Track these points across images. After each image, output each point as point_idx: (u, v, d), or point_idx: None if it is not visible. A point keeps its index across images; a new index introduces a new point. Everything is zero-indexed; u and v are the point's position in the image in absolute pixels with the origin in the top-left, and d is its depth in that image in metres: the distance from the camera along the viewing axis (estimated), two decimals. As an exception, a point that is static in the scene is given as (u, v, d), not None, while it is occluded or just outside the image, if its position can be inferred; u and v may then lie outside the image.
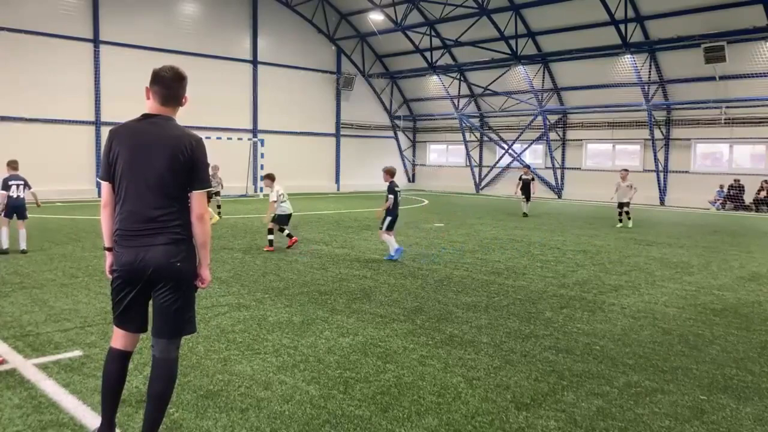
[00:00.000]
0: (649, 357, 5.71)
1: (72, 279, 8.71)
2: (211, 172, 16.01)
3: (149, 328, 3.68)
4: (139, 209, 3.48)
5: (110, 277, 3.65)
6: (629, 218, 17.81)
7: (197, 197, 3.57)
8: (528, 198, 20.86)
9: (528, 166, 24.70)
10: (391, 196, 11.01)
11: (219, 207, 17.96)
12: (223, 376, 4.95)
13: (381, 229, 11.11)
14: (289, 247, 11.97)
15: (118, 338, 3.65)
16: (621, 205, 17.97)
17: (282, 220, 12.05)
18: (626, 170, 19.08)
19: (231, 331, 6.22)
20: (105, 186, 3.59)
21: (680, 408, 4.53)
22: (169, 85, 3.58)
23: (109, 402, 3.63)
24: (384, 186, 11.44)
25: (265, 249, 11.76)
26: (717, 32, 22.81)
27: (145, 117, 3.60)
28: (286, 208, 12.13)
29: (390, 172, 11.35)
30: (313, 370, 5.12)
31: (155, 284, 3.52)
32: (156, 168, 3.47)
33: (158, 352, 3.59)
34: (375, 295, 8.10)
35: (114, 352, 3.66)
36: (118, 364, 3.65)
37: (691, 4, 23.29)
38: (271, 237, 11.88)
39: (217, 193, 17.88)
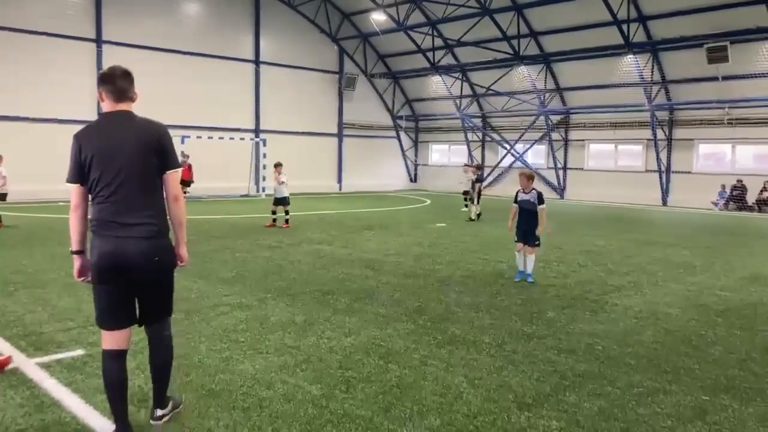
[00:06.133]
0: (652, 357, 5.70)
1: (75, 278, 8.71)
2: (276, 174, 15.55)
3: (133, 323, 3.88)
4: (119, 201, 3.62)
5: (79, 280, 3.82)
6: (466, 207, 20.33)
7: (171, 178, 3.76)
8: (472, 199, 19.07)
9: (478, 166, 20.94)
10: (545, 206, 9.25)
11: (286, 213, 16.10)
12: (225, 375, 4.95)
13: (538, 245, 9.26)
14: None
15: (111, 338, 3.76)
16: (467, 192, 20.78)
17: None
18: (468, 165, 22.13)
19: (233, 331, 6.23)
20: (75, 189, 3.67)
21: (683, 408, 4.52)
22: (120, 82, 3.74)
23: (120, 403, 3.75)
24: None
25: None
26: (720, 32, 22.75)
27: (107, 115, 3.75)
28: None
29: (533, 177, 9.50)
30: (315, 370, 5.12)
31: (137, 277, 3.66)
32: (129, 159, 3.62)
33: (153, 333, 3.94)
34: (377, 294, 8.10)
35: (112, 353, 3.76)
36: (118, 363, 3.77)
37: (693, 4, 23.24)
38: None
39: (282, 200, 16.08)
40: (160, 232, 3.73)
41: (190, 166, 25.51)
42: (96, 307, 3.77)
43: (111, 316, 3.72)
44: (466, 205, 21.23)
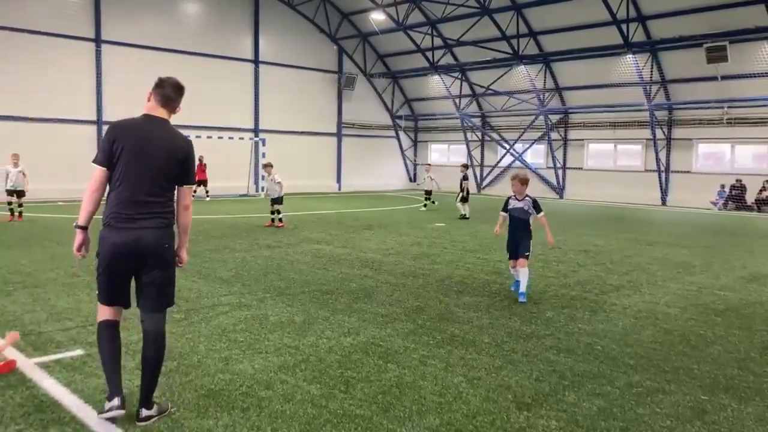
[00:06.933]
0: (651, 357, 5.70)
1: (73, 278, 8.72)
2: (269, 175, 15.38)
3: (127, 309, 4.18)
4: (137, 196, 3.96)
5: (77, 254, 4.09)
6: (431, 203, 22.37)
7: (186, 190, 4.18)
8: (463, 198, 19.13)
9: (465, 165, 20.79)
10: (544, 213, 8.06)
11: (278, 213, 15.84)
12: (224, 375, 4.95)
13: (528, 256, 7.99)
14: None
15: (108, 312, 4.10)
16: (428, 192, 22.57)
17: None
18: (429, 164, 25.21)
19: (232, 331, 6.22)
20: (101, 171, 3.97)
21: (681, 408, 4.52)
22: (171, 91, 4.14)
23: (115, 367, 4.06)
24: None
25: None
26: (719, 32, 22.77)
27: (146, 117, 4.11)
28: None
29: (528, 182, 8.14)
30: (315, 370, 5.13)
31: (146, 263, 3.99)
32: (156, 161, 3.98)
33: (150, 326, 4.12)
34: (376, 294, 8.10)
35: (108, 323, 4.10)
36: (113, 331, 4.11)
37: (693, 4, 23.26)
38: None
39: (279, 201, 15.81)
40: (168, 225, 4.10)
41: (205, 166, 25.72)
42: (99, 287, 4.07)
43: (112, 298, 4.07)
44: (425, 204, 22.24)
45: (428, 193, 22.45)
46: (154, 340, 4.11)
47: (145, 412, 4.04)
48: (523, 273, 7.90)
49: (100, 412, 4.04)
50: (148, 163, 3.96)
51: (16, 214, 15.94)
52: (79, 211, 4.02)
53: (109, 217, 3.96)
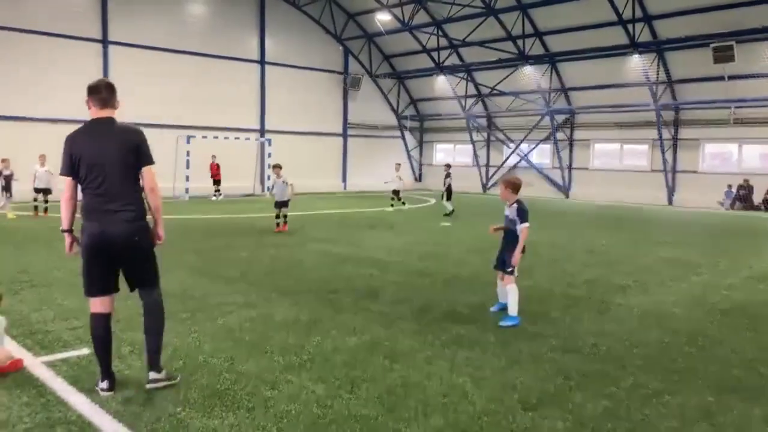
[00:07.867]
0: (657, 358, 5.68)
1: (80, 277, 8.73)
2: (275, 176, 15.17)
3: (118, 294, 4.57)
4: (103, 194, 4.34)
5: (69, 253, 4.60)
6: (401, 204, 22.17)
7: (147, 172, 4.48)
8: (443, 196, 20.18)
9: (448, 165, 21.48)
10: (527, 225, 6.93)
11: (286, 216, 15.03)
12: (229, 375, 4.96)
13: (511, 272, 7.00)
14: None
15: (99, 304, 4.47)
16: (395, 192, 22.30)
17: None
18: (399, 163, 25.07)
19: (238, 330, 6.23)
20: (68, 180, 4.43)
21: (688, 409, 4.50)
22: (105, 92, 4.47)
23: (106, 355, 4.49)
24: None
25: None
26: (726, 32, 22.66)
27: (93, 121, 4.48)
28: None
29: (515, 186, 7.03)
30: (320, 370, 5.13)
31: (119, 254, 4.40)
32: (112, 158, 4.35)
33: (146, 297, 4.58)
34: (382, 294, 8.10)
35: (98, 316, 4.48)
36: (103, 323, 4.47)
37: (699, 4, 23.16)
38: None
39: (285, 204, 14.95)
40: (138, 217, 4.46)
41: (218, 165, 25.99)
42: (84, 279, 4.49)
43: (97, 286, 4.45)
44: (392, 205, 22.12)
45: (396, 192, 22.27)
46: (149, 310, 4.58)
47: (153, 375, 4.44)
48: (507, 292, 6.92)
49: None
50: (106, 161, 4.34)
51: (39, 210, 17.25)
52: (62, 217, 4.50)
53: (84, 211, 4.42)
